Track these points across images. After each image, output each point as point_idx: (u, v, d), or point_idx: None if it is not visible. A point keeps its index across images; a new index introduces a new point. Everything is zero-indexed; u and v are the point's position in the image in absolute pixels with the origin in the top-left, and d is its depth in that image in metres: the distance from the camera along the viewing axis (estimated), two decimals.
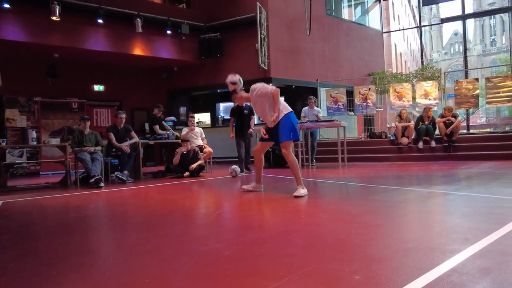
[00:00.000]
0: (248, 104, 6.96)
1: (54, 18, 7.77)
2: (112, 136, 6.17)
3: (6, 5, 7.45)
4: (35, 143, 6.12)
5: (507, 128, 11.51)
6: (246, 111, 6.73)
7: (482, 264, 1.59)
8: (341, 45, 12.33)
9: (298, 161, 7.31)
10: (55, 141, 6.47)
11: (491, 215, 2.58)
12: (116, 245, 2.34)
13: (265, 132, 4.04)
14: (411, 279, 1.45)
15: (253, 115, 6.83)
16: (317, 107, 8.39)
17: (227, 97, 12.19)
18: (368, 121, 10.67)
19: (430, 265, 1.59)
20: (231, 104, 12.71)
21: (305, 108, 7.98)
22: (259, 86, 4.05)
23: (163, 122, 7.43)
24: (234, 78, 4.18)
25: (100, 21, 8.54)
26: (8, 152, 8.48)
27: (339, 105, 10.22)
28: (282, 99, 4.42)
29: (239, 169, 6.26)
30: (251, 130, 6.77)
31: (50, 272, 1.77)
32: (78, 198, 4.54)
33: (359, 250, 1.89)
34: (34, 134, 6.23)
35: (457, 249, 1.79)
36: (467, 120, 11.89)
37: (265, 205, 3.51)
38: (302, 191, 3.73)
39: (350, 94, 10.29)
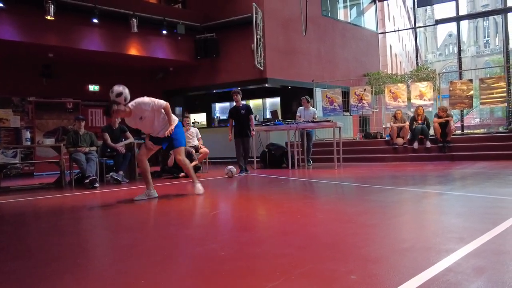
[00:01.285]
0: (245, 103, 6.93)
1: (48, 17, 7.71)
2: (107, 136, 6.14)
3: (0, 4, 7.39)
4: (29, 143, 6.07)
5: (500, 129, 11.61)
6: (243, 111, 6.54)
7: (477, 263, 1.60)
8: (336, 46, 12.37)
9: (294, 161, 7.41)
10: (50, 141, 6.43)
11: (485, 214, 2.60)
12: (111, 246, 2.32)
13: (152, 144, 4.09)
14: (406, 279, 1.45)
15: (252, 114, 6.61)
16: (313, 107, 8.40)
17: (223, 97, 12.22)
18: (363, 122, 10.71)
19: (425, 264, 1.60)
20: (227, 104, 12.74)
21: (301, 108, 7.99)
22: (148, 101, 3.87)
23: None
24: (123, 90, 3.86)
25: (95, 20, 8.49)
26: (2, 153, 8.40)
27: (334, 105, 10.25)
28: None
29: (234, 169, 6.24)
30: (253, 132, 6.63)
31: (45, 273, 1.75)
32: (72, 198, 4.51)
33: (355, 250, 1.90)
34: (28, 134, 6.18)
35: (452, 249, 1.80)
36: (461, 120, 11.99)
37: (261, 206, 3.51)
38: (200, 186, 4.14)
39: (345, 94, 10.33)
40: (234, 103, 6.71)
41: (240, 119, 6.56)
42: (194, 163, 6.57)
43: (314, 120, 7.60)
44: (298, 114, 7.92)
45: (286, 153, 7.82)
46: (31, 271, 1.80)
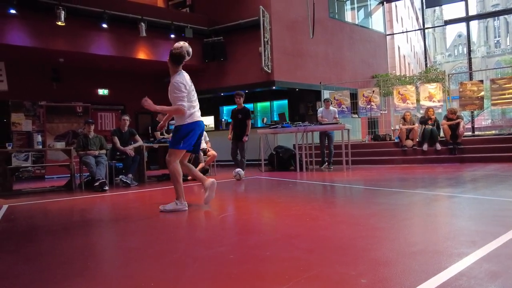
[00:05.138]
0: (246, 107, 6.66)
1: (59, 23, 7.84)
2: (116, 139, 6.20)
3: (12, 11, 7.54)
4: (40, 147, 6.16)
5: None
6: (240, 115, 6.51)
7: (490, 268, 1.57)
8: (344, 48, 12.33)
9: (302, 164, 7.37)
10: (60, 144, 6.50)
11: (498, 218, 2.55)
12: (120, 248, 2.34)
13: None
14: (418, 283, 1.43)
15: (249, 119, 6.48)
16: (329, 108, 8.25)
17: (230, 100, 12.23)
18: (372, 124, 10.64)
19: (437, 268, 1.58)
20: (234, 107, 12.76)
21: (321, 109, 7.96)
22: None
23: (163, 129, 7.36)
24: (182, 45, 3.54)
25: (104, 25, 8.61)
26: (14, 156, 8.51)
27: (342, 107, 10.20)
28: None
29: (242, 172, 6.25)
30: (245, 138, 6.44)
31: (55, 276, 1.77)
32: (82, 201, 4.56)
33: (364, 253, 1.87)
34: (39, 138, 6.28)
35: (464, 253, 1.77)
36: (472, 122, 11.81)
37: (269, 208, 3.50)
38: (173, 206, 3.38)
39: (353, 96, 10.27)
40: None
41: (237, 123, 6.54)
42: (199, 166, 6.60)
43: (336, 120, 7.46)
44: (319, 114, 7.87)
45: (294, 156, 7.80)
46: (42, 274, 1.81)
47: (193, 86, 3.64)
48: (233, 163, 6.96)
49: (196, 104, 3.63)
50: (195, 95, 3.65)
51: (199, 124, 3.56)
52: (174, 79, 3.48)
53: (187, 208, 3.44)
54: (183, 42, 3.71)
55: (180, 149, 3.50)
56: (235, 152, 6.64)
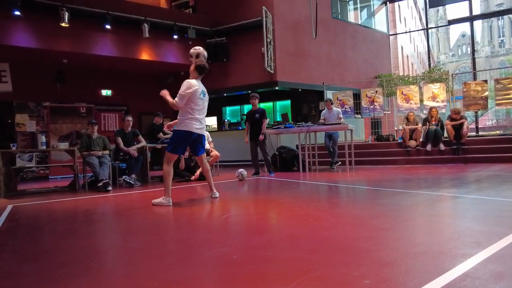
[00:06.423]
0: (261, 107, 6.92)
1: (63, 24, 7.89)
2: (119, 140, 6.22)
3: (17, 12, 7.60)
4: (44, 147, 6.19)
5: None
6: (257, 115, 6.72)
7: (495, 269, 1.56)
8: (347, 48, 12.30)
9: (305, 164, 7.37)
10: (64, 145, 6.56)
11: (502, 218, 2.53)
12: (123, 249, 2.34)
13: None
14: (422, 284, 1.42)
15: (265, 118, 6.71)
16: (325, 109, 8.29)
17: (233, 101, 12.28)
18: (375, 124, 10.60)
19: (441, 269, 1.57)
20: (237, 108, 12.80)
21: (324, 111, 7.91)
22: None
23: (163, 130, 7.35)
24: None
25: (107, 26, 8.65)
26: (18, 157, 8.59)
27: (345, 108, 10.17)
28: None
29: (245, 173, 6.25)
30: (261, 136, 6.63)
31: (59, 276, 1.78)
32: (86, 202, 4.58)
33: (368, 254, 1.87)
34: (43, 138, 6.31)
35: (469, 253, 1.76)
36: (476, 122, 11.74)
37: (272, 209, 3.49)
38: (159, 200, 3.82)
39: (356, 97, 10.25)
40: (251, 107, 6.90)
41: (254, 123, 6.74)
42: None
43: (340, 120, 7.38)
44: (322, 117, 7.83)
45: (297, 156, 7.79)
46: (45, 274, 1.82)
47: (205, 102, 3.92)
48: (235, 163, 6.99)
49: (199, 116, 3.88)
50: (202, 110, 3.92)
51: (187, 134, 3.82)
52: (188, 80, 3.83)
53: (171, 204, 3.76)
54: (200, 48, 4.03)
55: (169, 152, 3.87)
56: (256, 153, 6.84)
